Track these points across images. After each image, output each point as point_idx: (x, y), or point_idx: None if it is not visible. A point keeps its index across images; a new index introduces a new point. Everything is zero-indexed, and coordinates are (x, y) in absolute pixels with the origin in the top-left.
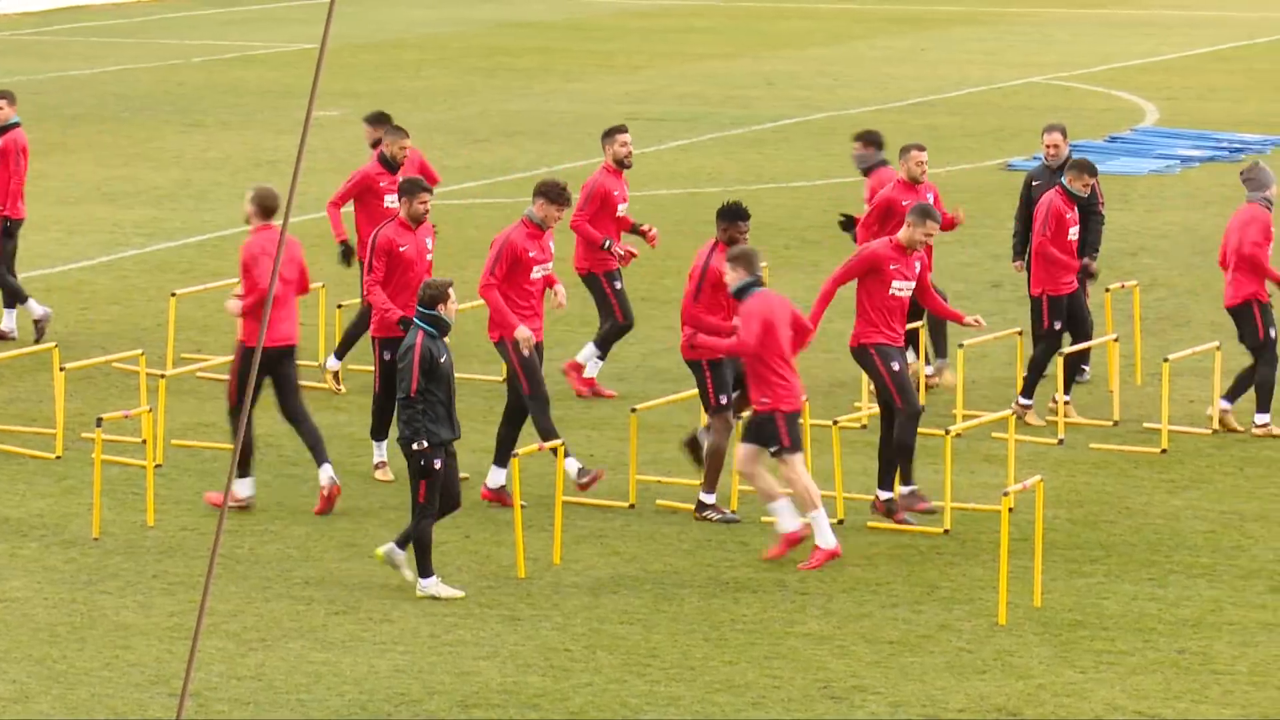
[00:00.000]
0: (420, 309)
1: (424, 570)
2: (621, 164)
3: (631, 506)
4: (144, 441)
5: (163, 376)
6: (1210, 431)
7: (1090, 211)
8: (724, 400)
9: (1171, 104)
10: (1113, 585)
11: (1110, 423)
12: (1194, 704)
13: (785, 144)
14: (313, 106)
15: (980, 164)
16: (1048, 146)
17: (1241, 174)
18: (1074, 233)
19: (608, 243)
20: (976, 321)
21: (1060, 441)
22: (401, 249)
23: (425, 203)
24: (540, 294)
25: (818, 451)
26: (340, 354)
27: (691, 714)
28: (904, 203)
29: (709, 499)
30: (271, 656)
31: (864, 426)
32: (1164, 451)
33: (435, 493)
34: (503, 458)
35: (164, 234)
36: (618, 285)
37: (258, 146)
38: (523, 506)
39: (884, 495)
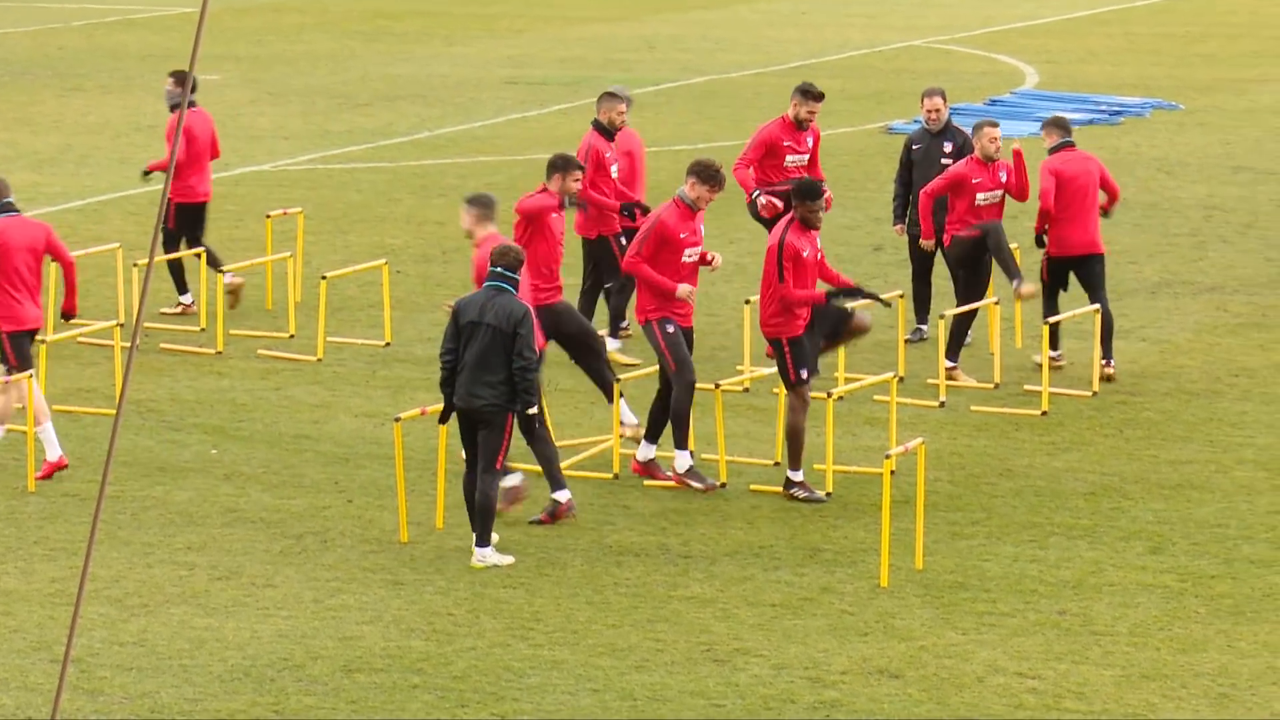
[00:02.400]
0: (509, 273)
1: (484, 539)
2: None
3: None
4: (21, 407)
5: (43, 342)
6: (1091, 394)
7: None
8: (804, 375)
9: (1051, 67)
10: (994, 547)
11: (991, 385)
12: (1075, 665)
13: (667, 107)
14: (193, 70)
15: (861, 127)
16: (928, 111)
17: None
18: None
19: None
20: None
21: (941, 404)
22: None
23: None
24: (692, 276)
25: (699, 415)
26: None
27: (574, 677)
28: (975, 180)
29: (797, 476)
30: (154, 622)
31: (746, 390)
32: (1044, 414)
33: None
34: (654, 434)
35: (44, 199)
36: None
37: (138, 111)
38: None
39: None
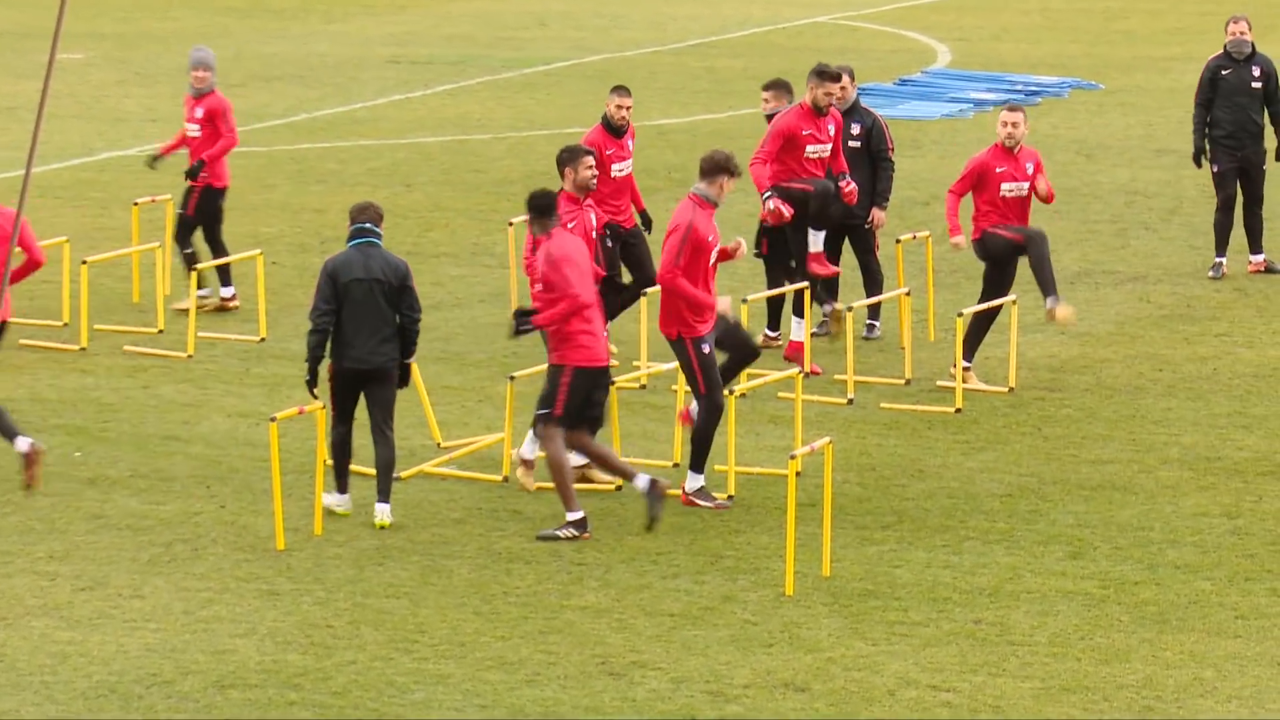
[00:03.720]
0: (375, 228)
1: (386, 495)
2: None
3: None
4: None
5: None
6: (1007, 390)
7: (880, 158)
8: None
9: (964, 45)
10: (905, 553)
11: (902, 381)
12: (991, 677)
13: (558, 88)
14: (56, 49)
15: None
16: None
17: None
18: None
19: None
20: (738, 245)
21: (850, 401)
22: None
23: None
24: (713, 279)
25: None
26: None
27: (461, 693)
28: (998, 169)
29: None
30: (13, 636)
31: (643, 387)
32: (958, 411)
33: None
34: (699, 461)
35: None
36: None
37: None
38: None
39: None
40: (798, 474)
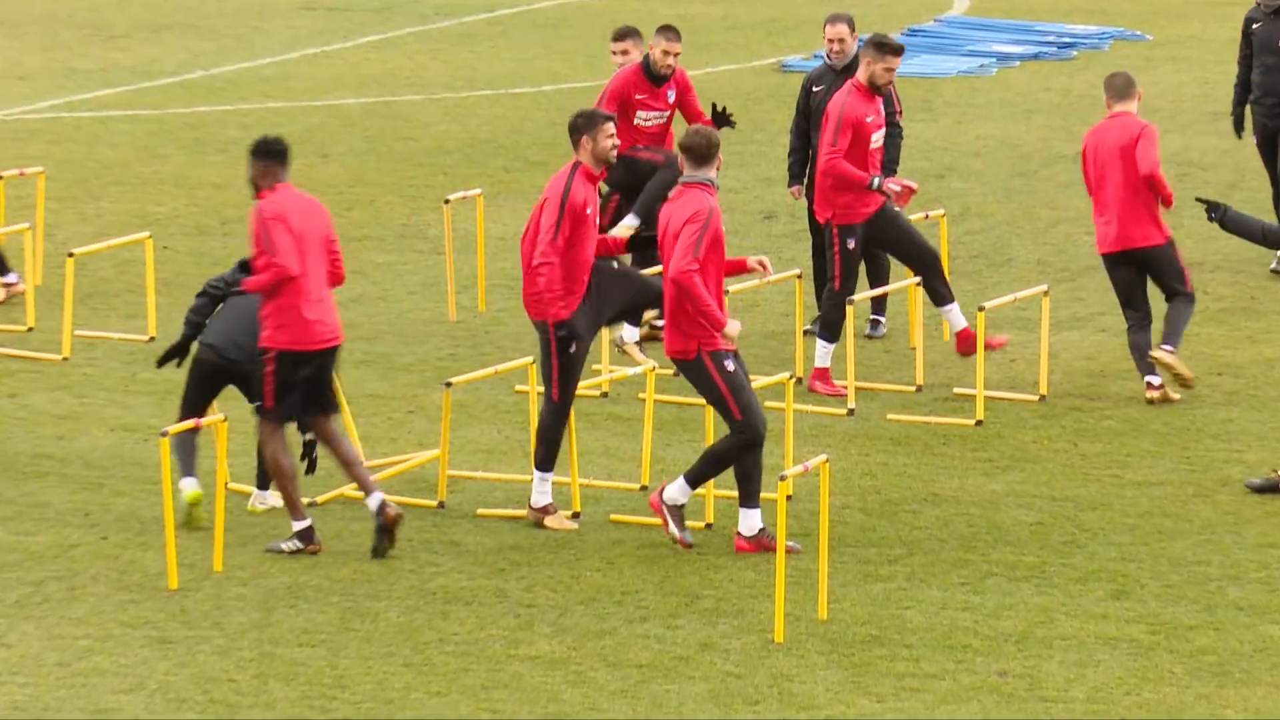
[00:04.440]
0: None
1: (266, 481)
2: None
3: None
4: None
5: None
6: (1037, 398)
7: (886, 123)
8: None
9: None
10: (916, 592)
11: (912, 388)
12: None
13: (504, 39)
14: None
15: (749, 64)
16: (830, 41)
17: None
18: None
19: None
20: (762, 265)
21: (850, 412)
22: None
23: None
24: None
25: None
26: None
27: None
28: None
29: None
30: None
31: (604, 395)
32: (979, 424)
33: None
34: (750, 499)
35: None
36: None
37: None
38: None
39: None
40: (788, 498)
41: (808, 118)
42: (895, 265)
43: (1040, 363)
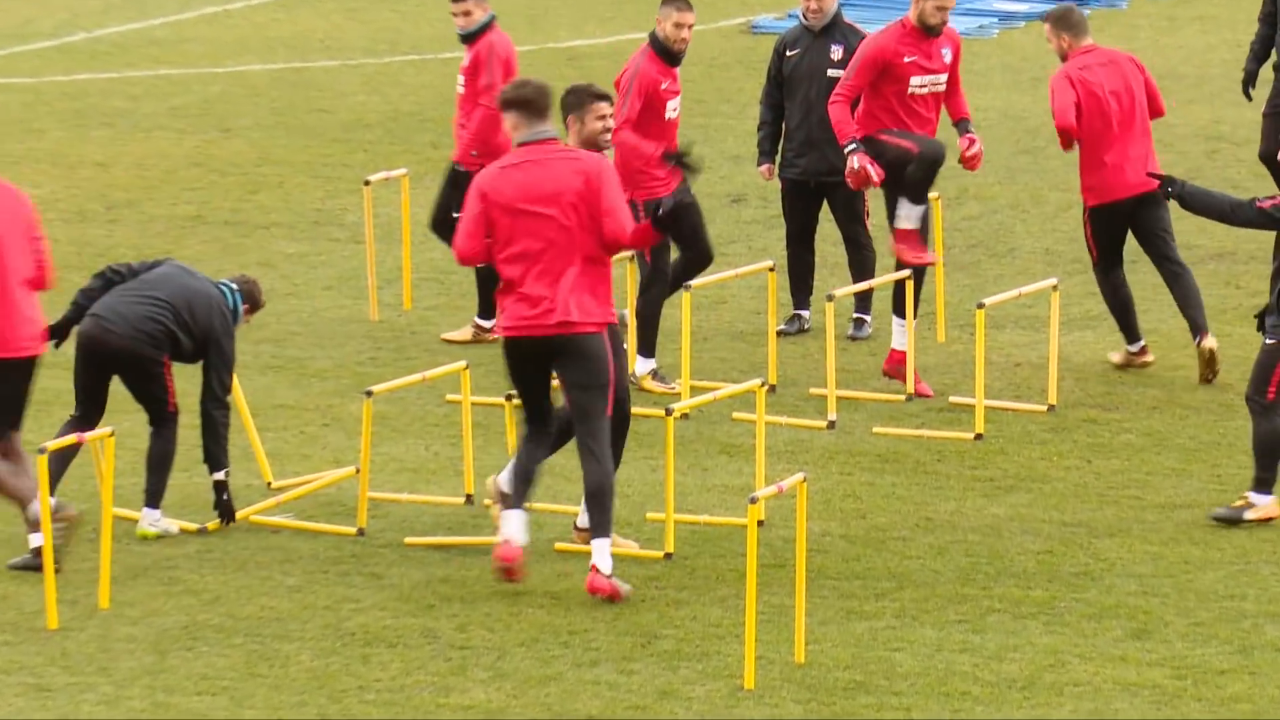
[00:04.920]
0: None
1: (156, 497)
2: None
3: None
4: None
5: None
6: (1045, 408)
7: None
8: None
9: None
10: (907, 631)
11: (902, 397)
12: None
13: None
14: None
15: (714, 24)
16: (807, 1)
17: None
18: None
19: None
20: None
21: (831, 424)
22: None
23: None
24: None
25: (484, 439)
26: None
27: None
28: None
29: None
30: None
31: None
32: (979, 438)
33: None
34: None
35: None
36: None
37: None
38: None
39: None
40: (760, 524)
41: (781, 86)
42: (882, 257)
43: (1049, 367)
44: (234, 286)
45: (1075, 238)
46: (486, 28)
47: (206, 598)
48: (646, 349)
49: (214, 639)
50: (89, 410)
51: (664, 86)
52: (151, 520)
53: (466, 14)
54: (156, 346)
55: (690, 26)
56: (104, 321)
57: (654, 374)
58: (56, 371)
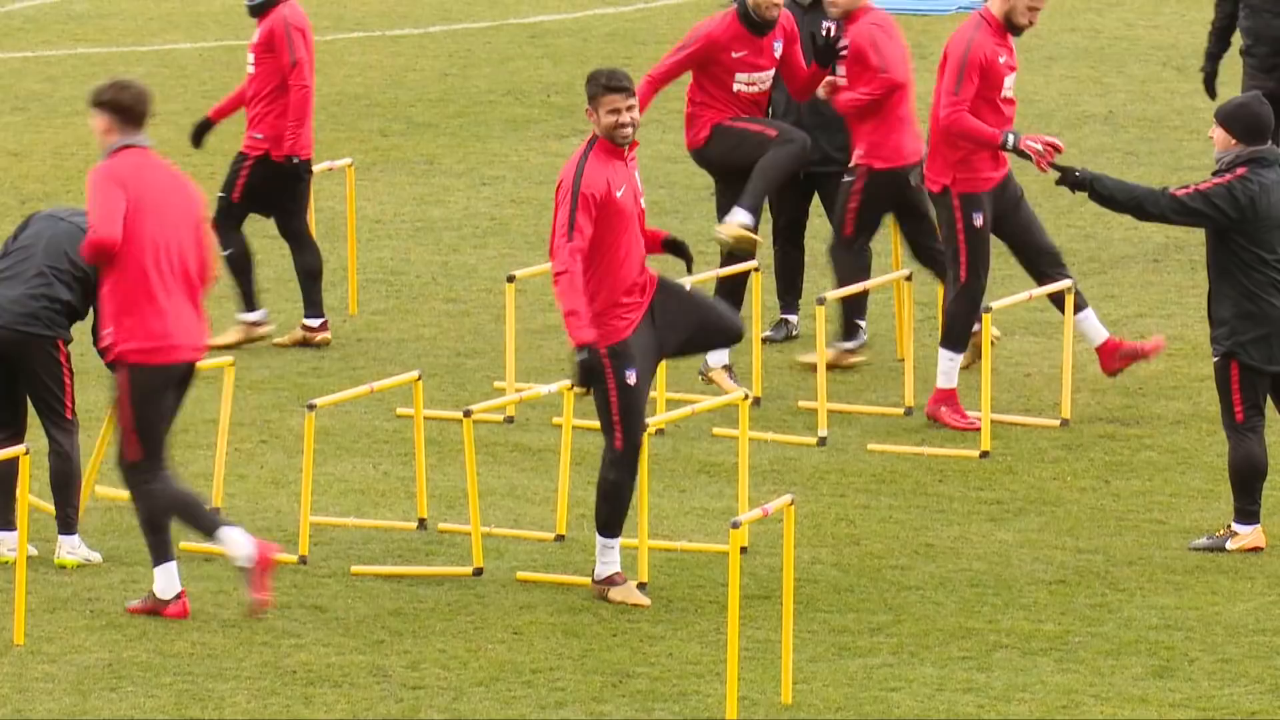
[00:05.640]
0: None
1: (70, 523)
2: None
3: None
4: None
5: None
6: (1058, 422)
7: None
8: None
9: None
10: (906, 669)
11: (900, 410)
12: None
13: None
14: None
15: None
16: None
17: None
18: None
19: None
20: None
21: (821, 441)
22: None
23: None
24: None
25: (439, 458)
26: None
27: None
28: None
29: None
30: None
31: (509, 420)
32: (985, 455)
33: None
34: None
35: None
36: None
37: None
38: None
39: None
40: (743, 551)
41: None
42: (878, 256)
43: (1063, 378)
44: None
45: (1092, 234)
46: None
47: (132, 633)
48: None
49: (140, 678)
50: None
51: (736, 55)
52: (70, 548)
53: None
54: (47, 326)
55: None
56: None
57: (727, 369)
58: None
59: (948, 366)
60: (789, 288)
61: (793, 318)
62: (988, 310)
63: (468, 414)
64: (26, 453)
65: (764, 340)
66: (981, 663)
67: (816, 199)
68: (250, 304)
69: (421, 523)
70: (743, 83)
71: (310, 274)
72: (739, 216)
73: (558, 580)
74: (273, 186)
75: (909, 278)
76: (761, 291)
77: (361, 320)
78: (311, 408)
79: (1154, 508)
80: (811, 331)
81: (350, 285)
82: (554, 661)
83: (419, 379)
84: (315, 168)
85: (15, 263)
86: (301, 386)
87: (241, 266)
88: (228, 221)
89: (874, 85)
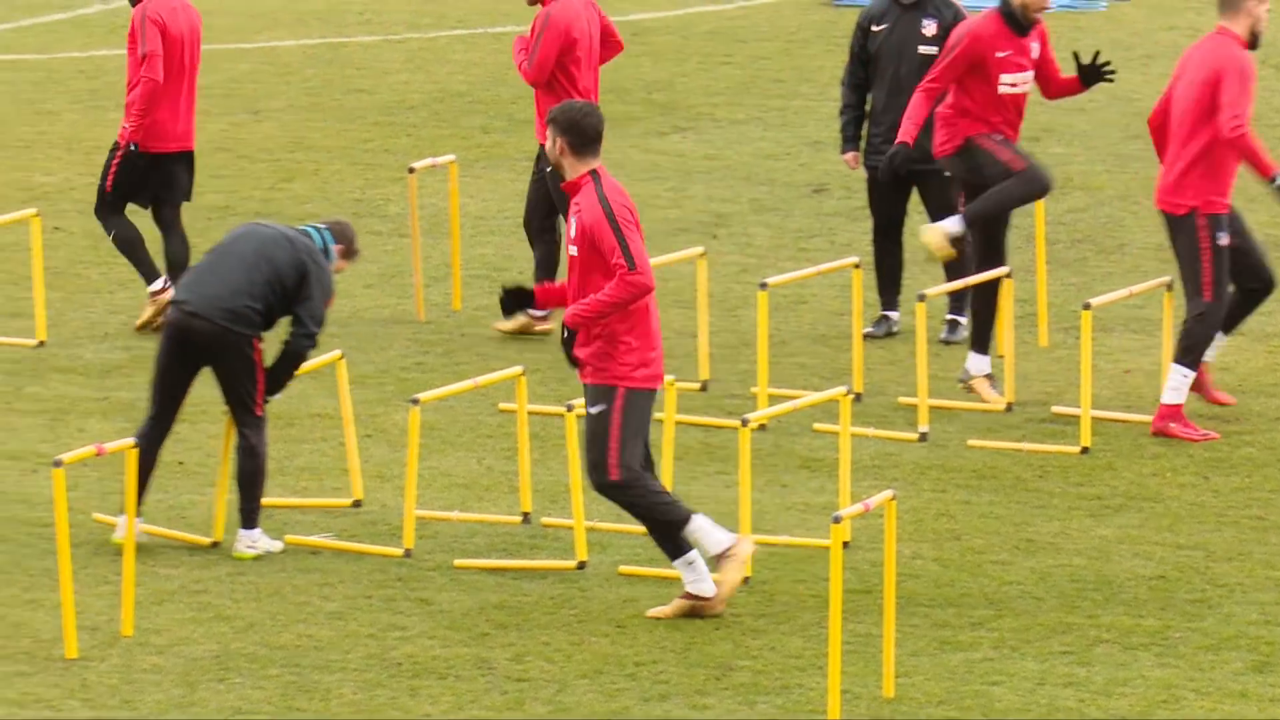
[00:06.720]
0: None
1: (252, 518)
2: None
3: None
4: None
5: None
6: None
7: None
8: None
9: None
10: (1007, 663)
11: (1001, 406)
12: None
13: None
14: None
15: None
16: None
17: None
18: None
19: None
20: None
21: (922, 437)
22: None
23: None
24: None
25: (542, 453)
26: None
27: None
28: (999, 53)
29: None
30: None
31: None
32: (1085, 451)
33: None
34: None
35: None
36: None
37: None
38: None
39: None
40: (845, 546)
41: (865, 65)
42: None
43: (1161, 375)
44: (320, 226)
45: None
46: None
47: (239, 625)
48: (980, 345)
49: (247, 670)
50: (166, 412)
51: (1000, 54)
52: (250, 541)
53: None
54: (248, 324)
55: None
56: (186, 306)
57: (989, 378)
58: (72, 377)
59: (1179, 383)
60: (889, 285)
61: (893, 314)
62: (1087, 307)
63: (570, 409)
64: (135, 447)
65: (865, 336)
66: (1082, 657)
67: (915, 197)
68: (150, 277)
69: (525, 517)
70: (1007, 84)
71: (172, 264)
72: (948, 224)
73: (660, 574)
74: (135, 176)
75: (1009, 274)
76: (862, 288)
77: (465, 316)
78: (415, 402)
79: (1253, 504)
80: (912, 328)
81: (454, 281)
82: (657, 654)
83: (522, 374)
84: (418, 164)
85: (220, 264)
86: (405, 382)
87: (129, 247)
88: (104, 210)
89: None
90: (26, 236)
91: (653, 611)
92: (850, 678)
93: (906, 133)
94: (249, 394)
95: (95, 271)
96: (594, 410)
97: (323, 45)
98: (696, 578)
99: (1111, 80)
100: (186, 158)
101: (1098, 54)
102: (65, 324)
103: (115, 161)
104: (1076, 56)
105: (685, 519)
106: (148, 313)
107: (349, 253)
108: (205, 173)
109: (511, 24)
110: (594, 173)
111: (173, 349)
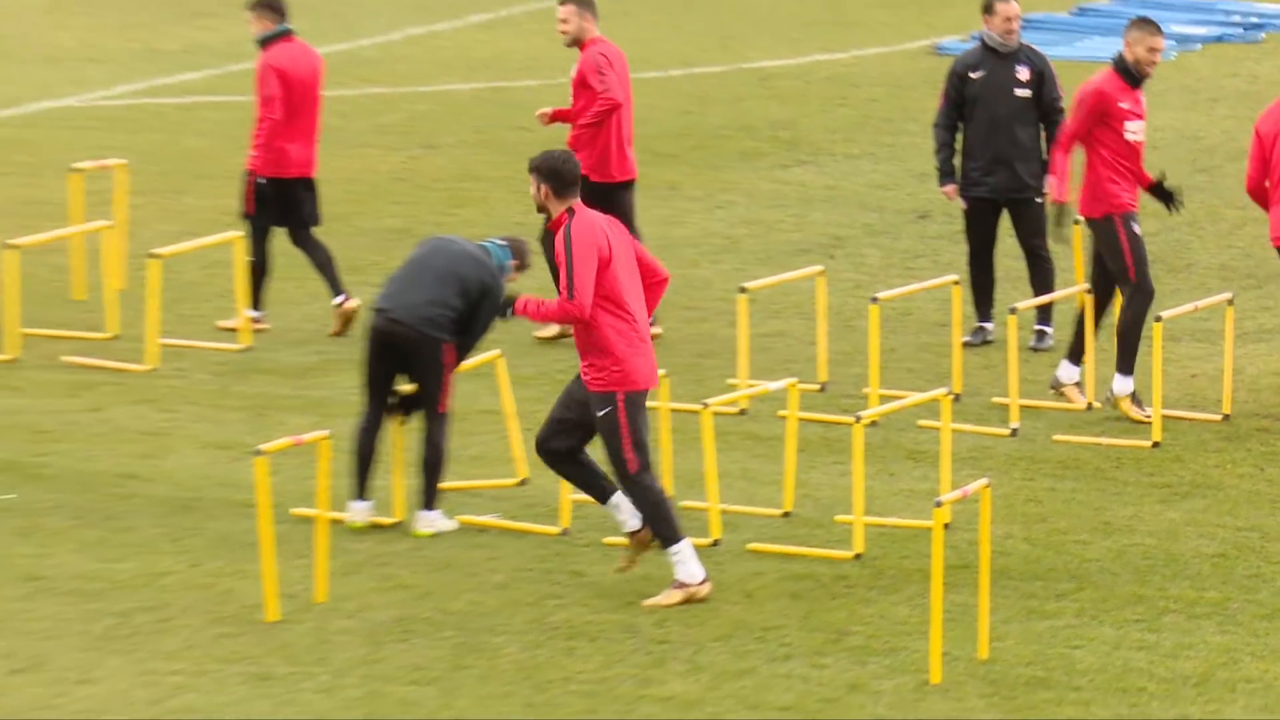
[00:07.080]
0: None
1: (432, 499)
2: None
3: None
4: None
5: None
6: (1221, 417)
7: (1051, 110)
8: None
9: None
10: (1086, 629)
11: (1083, 406)
12: None
13: (627, 19)
14: None
15: (900, 46)
16: (1007, 20)
17: None
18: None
19: None
20: None
21: (1013, 433)
22: None
23: None
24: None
25: (680, 445)
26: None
27: None
28: (1121, 104)
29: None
30: None
31: (743, 412)
32: (1156, 446)
33: None
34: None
35: None
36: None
37: None
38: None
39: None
40: (946, 527)
41: (960, 108)
42: (1063, 272)
43: (1224, 379)
44: (500, 243)
45: (1250, 253)
46: (273, 39)
47: (418, 593)
48: (1126, 367)
49: (425, 631)
50: (377, 406)
51: (1124, 105)
52: (427, 522)
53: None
54: (442, 330)
55: (1160, 51)
56: (390, 314)
57: (1134, 397)
58: (273, 378)
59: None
60: (983, 299)
61: (988, 325)
62: (1159, 319)
63: (706, 406)
64: (328, 438)
65: (963, 344)
66: (1152, 625)
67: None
68: (335, 290)
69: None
70: (1131, 131)
71: (320, 265)
72: (1118, 385)
73: (784, 551)
74: (264, 199)
75: (1089, 290)
76: (961, 302)
77: None
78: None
79: None
80: (1004, 337)
81: None
82: (781, 620)
83: (665, 376)
84: None
85: (416, 274)
86: (561, 382)
87: (320, 265)
88: (252, 234)
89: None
90: (231, 255)
91: (648, 602)
92: (950, 641)
93: (1060, 191)
94: (436, 393)
95: (291, 285)
96: (600, 414)
97: (489, 89)
98: (684, 560)
99: (1173, 212)
100: (307, 183)
101: (1163, 174)
102: (266, 331)
103: (248, 189)
104: (1164, 175)
105: (676, 530)
106: (336, 323)
107: (522, 266)
108: (386, 199)
109: (653, 70)
110: (570, 210)
111: (377, 350)
